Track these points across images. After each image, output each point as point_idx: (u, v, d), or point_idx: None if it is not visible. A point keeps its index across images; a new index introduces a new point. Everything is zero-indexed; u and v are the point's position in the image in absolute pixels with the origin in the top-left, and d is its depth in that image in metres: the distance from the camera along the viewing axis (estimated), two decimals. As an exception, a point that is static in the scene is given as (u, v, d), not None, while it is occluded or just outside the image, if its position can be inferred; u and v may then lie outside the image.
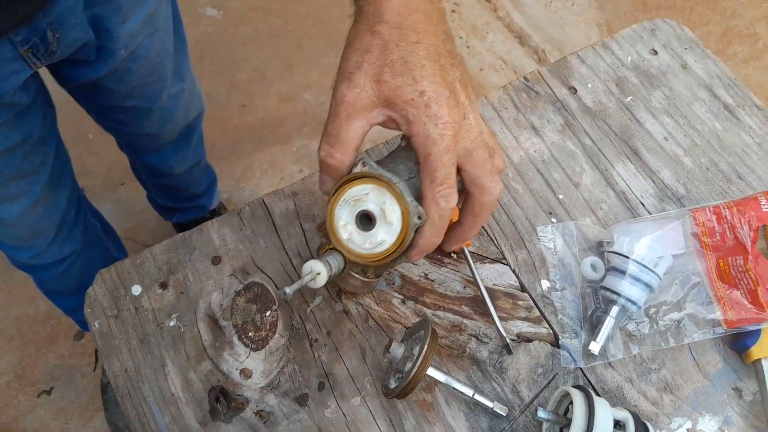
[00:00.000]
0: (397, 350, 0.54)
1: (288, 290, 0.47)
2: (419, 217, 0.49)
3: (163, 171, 1.25)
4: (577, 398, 0.53)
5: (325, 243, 0.53)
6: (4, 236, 0.97)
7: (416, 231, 0.50)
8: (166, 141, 1.14)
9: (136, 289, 0.62)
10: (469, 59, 2.00)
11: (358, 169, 0.50)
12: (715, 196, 0.68)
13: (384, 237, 0.50)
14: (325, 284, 0.51)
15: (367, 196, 0.50)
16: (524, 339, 0.61)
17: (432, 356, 0.53)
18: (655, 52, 0.78)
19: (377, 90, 0.48)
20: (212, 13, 2.03)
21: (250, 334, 0.61)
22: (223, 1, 2.05)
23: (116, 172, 1.73)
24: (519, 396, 0.58)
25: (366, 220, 0.51)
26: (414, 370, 0.52)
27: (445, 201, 0.49)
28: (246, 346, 0.60)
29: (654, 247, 0.61)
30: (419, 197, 0.50)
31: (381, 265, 0.54)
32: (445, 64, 0.48)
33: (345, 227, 0.51)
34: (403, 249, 0.51)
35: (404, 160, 0.52)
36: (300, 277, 0.50)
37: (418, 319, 0.61)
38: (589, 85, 0.75)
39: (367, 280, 0.57)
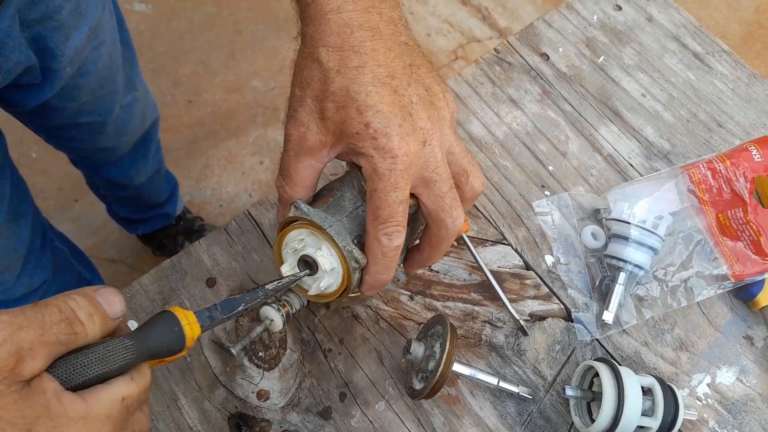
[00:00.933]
0: (418, 350, 0.53)
1: (234, 350, 0.46)
2: (357, 261, 0.46)
3: (122, 183, 1.19)
4: (604, 372, 0.53)
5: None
6: None
7: (363, 270, 0.48)
8: (123, 153, 1.09)
9: (132, 325, 0.59)
10: (415, 26, 1.96)
11: (291, 212, 0.47)
12: (699, 147, 0.68)
13: (330, 280, 0.48)
14: (284, 326, 0.50)
15: (303, 241, 0.48)
16: (537, 318, 0.61)
17: (455, 351, 0.52)
18: (619, 8, 0.77)
19: (322, 127, 0.45)
20: (141, 8, 1.93)
21: (260, 354, 0.58)
22: (151, -7, 1.94)
23: (68, 189, 1.64)
24: (541, 376, 0.58)
25: (312, 264, 0.49)
26: (440, 368, 0.51)
27: (387, 239, 0.45)
28: (258, 367, 0.58)
29: (652, 209, 0.61)
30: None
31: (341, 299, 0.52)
32: (399, 85, 0.44)
33: (293, 270, 0.49)
34: (351, 289, 0.48)
35: (350, 188, 0.49)
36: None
37: (429, 314, 0.60)
38: (560, 49, 0.74)
39: (354, 295, 0.55)
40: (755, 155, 0.58)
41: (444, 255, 0.62)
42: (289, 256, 0.49)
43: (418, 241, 0.51)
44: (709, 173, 0.59)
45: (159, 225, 1.38)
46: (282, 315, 0.50)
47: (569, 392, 0.54)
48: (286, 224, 0.48)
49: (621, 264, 0.60)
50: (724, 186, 0.58)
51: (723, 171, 0.59)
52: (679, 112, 0.71)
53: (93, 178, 1.24)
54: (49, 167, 1.67)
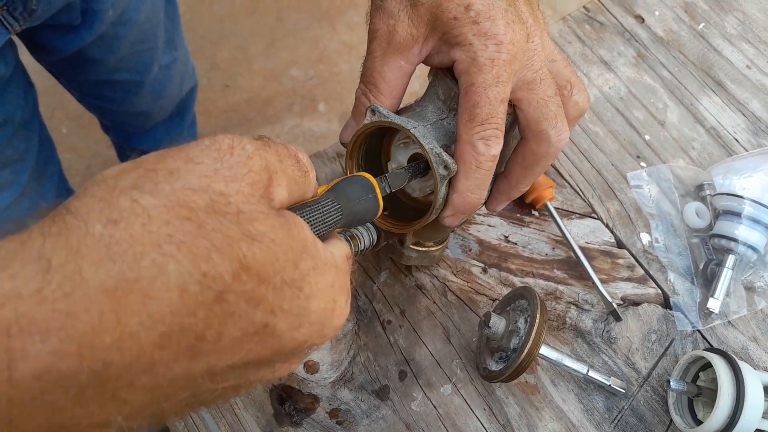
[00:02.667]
0: (499, 324, 0.45)
1: None
2: (446, 167, 0.38)
3: (154, 156, 1.13)
4: (720, 365, 0.44)
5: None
6: None
7: (451, 186, 0.40)
8: (158, 120, 1.02)
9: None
10: None
11: (368, 118, 0.40)
12: (815, 126, 0.60)
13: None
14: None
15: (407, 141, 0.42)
16: (630, 303, 0.52)
17: (545, 329, 0.44)
18: (723, -26, 0.70)
19: (414, 17, 0.38)
20: (183, -10, 1.89)
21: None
22: (194, -24, 1.91)
23: (96, 167, 1.59)
24: (634, 368, 0.50)
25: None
26: (527, 347, 0.43)
27: (484, 145, 0.37)
28: (307, 335, 0.50)
29: (765, 184, 0.52)
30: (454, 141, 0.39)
31: (417, 232, 0.45)
32: None
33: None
34: (436, 209, 0.40)
35: (432, 100, 0.42)
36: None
37: (504, 290, 0.52)
38: (657, 12, 0.66)
39: (424, 249, 0.48)
40: None
41: (534, 210, 0.54)
42: (399, 154, 0.44)
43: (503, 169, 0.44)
44: None
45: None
46: (352, 248, 0.42)
47: (674, 385, 0.46)
48: (359, 135, 0.41)
49: (731, 245, 0.51)
50: None
51: None
52: (790, 88, 0.63)
53: (124, 148, 1.18)
54: (79, 145, 1.62)
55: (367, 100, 0.42)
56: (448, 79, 0.40)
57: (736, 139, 0.59)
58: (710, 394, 0.46)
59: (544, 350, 0.46)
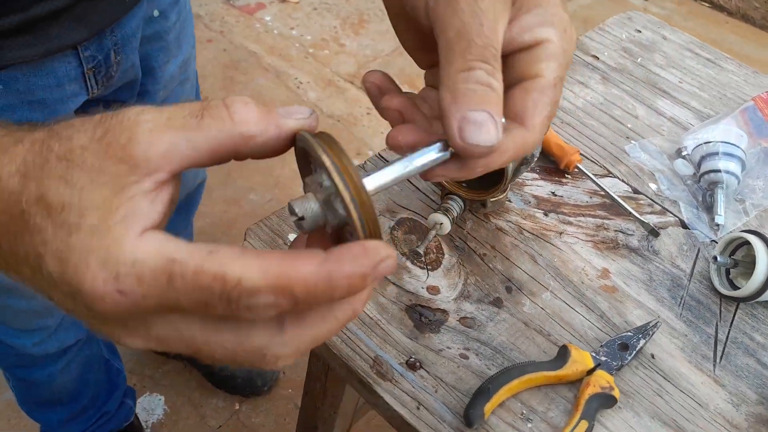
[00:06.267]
0: (307, 206, 0.29)
1: (420, 249, 0.57)
2: None
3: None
4: (756, 240, 0.58)
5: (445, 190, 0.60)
6: (16, 314, 0.84)
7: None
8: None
9: (293, 237, 0.59)
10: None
11: None
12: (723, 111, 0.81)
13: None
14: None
15: None
16: (659, 227, 0.66)
17: (348, 163, 0.28)
18: (639, 31, 0.95)
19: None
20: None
21: (421, 258, 0.59)
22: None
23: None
24: (680, 269, 0.62)
25: None
26: (346, 201, 0.27)
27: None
28: (422, 268, 0.58)
29: (728, 130, 0.71)
30: None
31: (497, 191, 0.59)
32: None
33: None
34: (508, 177, 0.55)
35: None
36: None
37: (565, 227, 0.64)
38: (605, 53, 0.89)
39: (496, 199, 0.61)
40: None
41: (566, 174, 0.68)
42: None
43: None
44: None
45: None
46: (449, 218, 0.56)
47: (720, 259, 0.59)
48: None
49: (717, 176, 0.68)
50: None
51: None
52: (711, 93, 0.85)
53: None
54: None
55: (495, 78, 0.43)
56: None
57: (691, 123, 0.79)
58: (745, 265, 0.60)
59: (370, 183, 0.30)
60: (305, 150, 0.30)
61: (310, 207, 0.29)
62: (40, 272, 0.26)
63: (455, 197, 0.60)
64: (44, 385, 0.97)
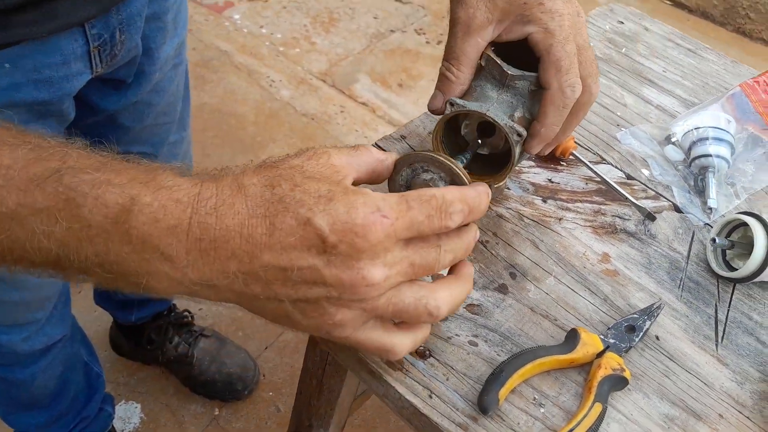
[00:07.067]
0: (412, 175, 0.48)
1: None
2: (519, 135, 0.52)
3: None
4: (753, 222, 0.58)
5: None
6: (7, 307, 0.81)
7: (536, 128, 0.53)
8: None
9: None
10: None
11: (447, 111, 0.53)
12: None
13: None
14: None
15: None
16: (654, 212, 0.67)
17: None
18: (622, 22, 0.96)
19: (490, 5, 0.52)
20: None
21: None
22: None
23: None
24: (677, 252, 0.63)
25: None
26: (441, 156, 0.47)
27: (570, 90, 0.51)
28: (426, 256, 0.58)
29: (716, 115, 0.72)
30: (524, 106, 0.53)
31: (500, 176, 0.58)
32: None
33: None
34: (514, 162, 0.54)
35: (488, 80, 0.54)
36: None
37: (564, 213, 0.64)
38: (591, 44, 0.89)
39: (498, 186, 0.60)
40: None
41: (562, 161, 0.68)
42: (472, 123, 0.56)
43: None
44: (756, 84, 0.73)
45: (157, 309, 1.29)
46: None
47: (718, 241, 0.59)
48: (442, 122, 0.54)
49: (708, 160, 0.69)
50: (769, 91, 0.72)
51: (765, 81, 0.73)
52: (694, 81, 0.86)
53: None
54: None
55: (452, 74, 0.54)
56: (498, 63, 0.53)
57: (677, 111, 0.80)
58: (742, 246, 0.60)
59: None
60: (409, 158, 0.47)
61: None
62: (307, 227, 0.36)
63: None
64: (25, 385, 0.93)
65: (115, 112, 0.81)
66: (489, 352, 0.52)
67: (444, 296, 0.42)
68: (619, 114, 0.78)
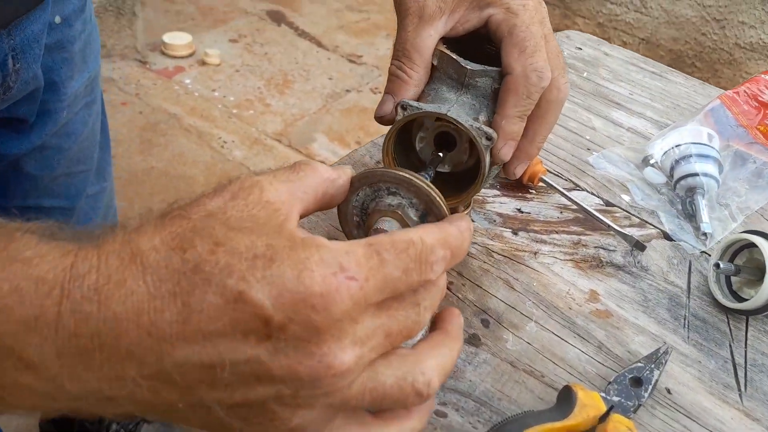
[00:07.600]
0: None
1: None
2: (488, 137, 0.43)
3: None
4: (764, 243, 0.50)
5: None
6: None
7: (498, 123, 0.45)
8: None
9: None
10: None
11: (399, 116, 0.44)
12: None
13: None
14: None
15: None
16: (642, 241, 0.57)
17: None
18: (580, 48, 0.90)
19: None
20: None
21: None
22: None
23: None
24: (675, 285, 0.53)
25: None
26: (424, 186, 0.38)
27: (537, 77, 0.43)
28: (377, 306, 0.47)
29: (697, 130, 0.64)
30: (488, 109, 0.45)
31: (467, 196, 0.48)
32: None
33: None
34: (485, 174, 0.45)
35: (443, 81, 0.46)
36: None
37: (539, 246, 0.54)
38: (550, 69, 0.83)
39: (463, 212, 0.51)
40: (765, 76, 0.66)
41: (531, 190, 0.59)
42: (427, 134, 0.47)
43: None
44: (735, 95, 0.66)
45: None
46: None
47: (723, 266, 0.50)
48: (395, 130, 0.44)
49: (695, 180, 0.60)
50: (750, 101, 0.65)
51: (746, 91, 0.66)
52: (664, 103, 0.80)
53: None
54: None
55: (404, 73, 0.46)
56: (455, 58, 0.45)
57: (651, 132, 0.73)
58: (749, 272, 0.51)
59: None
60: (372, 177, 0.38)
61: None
62: (240, 305, 0.26)
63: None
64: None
65: (18, 158, 0.70)
66: (462, 425, 0.41)
67: (432, 365, 0.31)
68: (588, 138, 0.70)
